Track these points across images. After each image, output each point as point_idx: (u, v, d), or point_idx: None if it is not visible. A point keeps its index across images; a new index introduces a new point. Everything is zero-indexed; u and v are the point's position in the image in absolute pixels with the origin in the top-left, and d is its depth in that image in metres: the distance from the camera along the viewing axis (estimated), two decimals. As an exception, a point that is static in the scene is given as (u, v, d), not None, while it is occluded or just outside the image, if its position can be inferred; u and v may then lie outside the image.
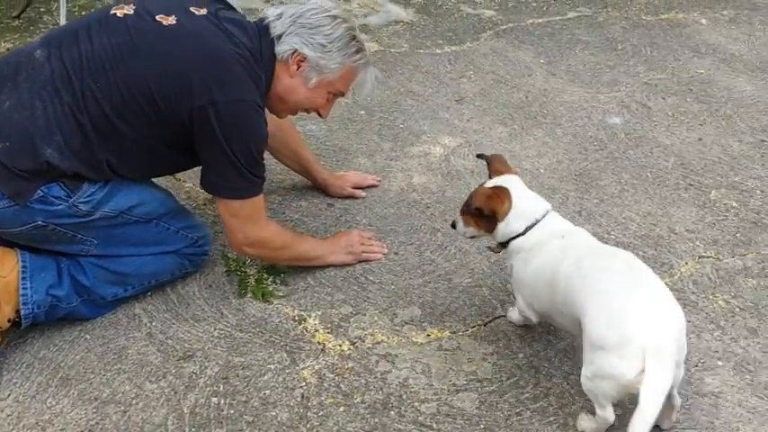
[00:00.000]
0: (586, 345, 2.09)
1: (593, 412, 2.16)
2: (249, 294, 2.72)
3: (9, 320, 2.42)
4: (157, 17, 2.40)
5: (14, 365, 2.44)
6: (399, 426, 2.27)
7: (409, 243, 3.02)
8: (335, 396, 2.36)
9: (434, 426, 2.27)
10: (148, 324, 2.60)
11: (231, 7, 2.65)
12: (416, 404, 2.34)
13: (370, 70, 2.69)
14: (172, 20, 2.40)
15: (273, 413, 2.30)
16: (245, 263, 2.85)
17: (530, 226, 2.36)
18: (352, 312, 2.67)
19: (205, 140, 2.38)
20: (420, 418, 2.29)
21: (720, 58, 4.60)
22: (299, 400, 2.34)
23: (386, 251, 2.96)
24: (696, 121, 3.92)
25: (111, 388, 2.37)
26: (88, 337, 2.55)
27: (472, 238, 2.57)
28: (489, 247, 2.58)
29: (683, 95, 4.16)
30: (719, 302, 2.74)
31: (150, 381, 2.40)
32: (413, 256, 2.95)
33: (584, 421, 2.22)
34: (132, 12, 2.43)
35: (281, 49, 2.51)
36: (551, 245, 2.32)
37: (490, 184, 2.44)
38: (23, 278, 2.43)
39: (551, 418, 2.29)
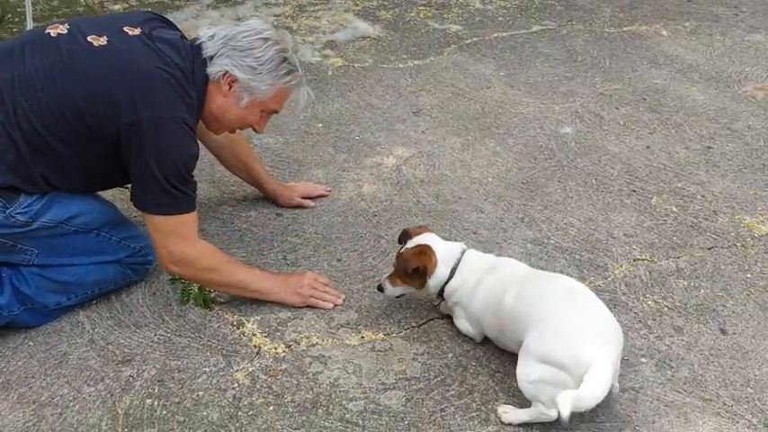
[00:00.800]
0: (527, 354, 2.23)
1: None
2: (191, 301, 2.80)
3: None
4: (89, 38, 2.49)
5: (-42, 372, 2.52)
6: (326, 423, 2.34)
7: (353, 250, 3.10)
8: (266, 396, 2.44)
9: (360, 422, 2.34)
10: (91, 331, 2.68)
11: (170, 25, 2.74)
12: (344, 402, 2.41)
13: (303, 89, 2.73)
14: (103, 41, 2.48)
15: (205, 413, 2.37)
16: (189, 271, 2.93)
17: (453, 268, 2.57)
18: (290, 317, 2.75)
19: (132, 156, 2.45)
20: (347, 416, 2.37)
21: (677, 69, 4.69)
22: (230, 400, 2.42)
23: (341, 301, 2.82)
24: (646, 129, 4.01)
25: (50, 391, 2.45)
26: (31, 343, 2.63)
27: (400, 296, 2.74)
28: (435, 305, 2.76)
29: (636, 105, 4.25)
30: (649, 303, 2.81)
31: (88, 384, 2.48)
32: (355, 263, 3.03)
33: (510, 414, 2.33)
34: (66, 31, 2.52)
35: (213, 70, 2.58)
36: (488, 281, 2.52)
37: (412, 244, 2.62)
38: (-37, 288, 2.52)
39: (473, 414, 2.37)
